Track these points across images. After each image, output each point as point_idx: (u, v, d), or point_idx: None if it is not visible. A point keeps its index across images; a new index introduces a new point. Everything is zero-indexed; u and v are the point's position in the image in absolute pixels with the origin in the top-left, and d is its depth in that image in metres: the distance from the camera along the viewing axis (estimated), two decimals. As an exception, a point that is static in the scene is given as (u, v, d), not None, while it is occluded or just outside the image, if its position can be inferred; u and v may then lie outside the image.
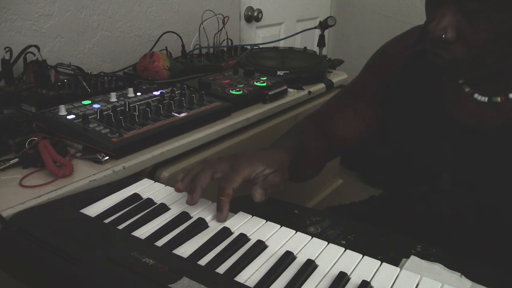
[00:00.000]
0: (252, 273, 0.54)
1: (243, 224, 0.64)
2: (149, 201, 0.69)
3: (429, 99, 0.80)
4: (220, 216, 0.65)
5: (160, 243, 0.58)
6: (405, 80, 0.84)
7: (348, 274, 0.53)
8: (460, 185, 0.76)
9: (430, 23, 0.68)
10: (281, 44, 1.94)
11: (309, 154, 0.89)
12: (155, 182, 0.76)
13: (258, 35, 2.11)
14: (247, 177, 0.70)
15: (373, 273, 0.54)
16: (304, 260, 0.55)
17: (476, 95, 0.74)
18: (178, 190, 0.68)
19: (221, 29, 1.62)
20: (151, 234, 0.60)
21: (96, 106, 0.94)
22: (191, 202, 0.66)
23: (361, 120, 0.92)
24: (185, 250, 0.57)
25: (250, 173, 0.70)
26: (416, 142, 0.81)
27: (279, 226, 0.63)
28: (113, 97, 0.99)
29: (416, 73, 0.82)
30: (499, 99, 0.72)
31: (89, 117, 0.87)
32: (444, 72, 0.75)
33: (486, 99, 0.73)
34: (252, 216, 0.66)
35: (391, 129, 0.86)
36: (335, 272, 0.53)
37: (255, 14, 2.00)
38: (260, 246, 0.58)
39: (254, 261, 0.56)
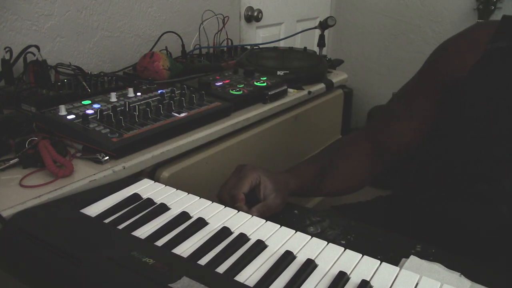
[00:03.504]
0: (252, 273, 0.54)
1: (243, 224, 0.64)
2: (149, 201, 0.69)
3: (508, 101, 0.77)
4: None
5: (160, 242, 0.58)
6: (482, 76, 0.81)
7: (348, 273, 0.53)
8: None
9: None
10: (281, 44, 1.94)
11: (338, 172, 0.91)
12: (155, 182, 0.76)
13: (258, 35, 2.11)
14: (254, 182, 0.75)
15: (373, 272, 0.54)
16: (304, 259, 0.55)
17: None
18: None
19: (221, 29, 1.62)
20: (151, 234, 0.60)
21: (96, 106, 0.94)
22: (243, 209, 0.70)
23: (418, 120, 0.90)
24: (185, 249, 0.57)
25: (256, 178, 0.75)
26: (485, 144, 0.78)
27: (279, 226, 0.63)
28: (113, 97, 0.99)
29: (495, 71, 0.80)
30: None
31: (89, 117, 0.87)
32: None
33: None
34: (252, 216, 0.66)
35: (457, 124, 0.83)
36: (334, 271, 0.54)
37: (255, 14, 2.00)
38: (260, 246, 0.58)
39: (254, 260, 0.56)
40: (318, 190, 0.90)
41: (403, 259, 0.61)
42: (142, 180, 0.76)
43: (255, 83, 1.18)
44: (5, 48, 1.07)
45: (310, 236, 0.61)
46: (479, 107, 0.80)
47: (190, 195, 0.71)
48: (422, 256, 0.62)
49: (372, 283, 0.52)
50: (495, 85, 0.80)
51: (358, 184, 0.97)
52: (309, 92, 1.32)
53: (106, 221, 0.63)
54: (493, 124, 0.78)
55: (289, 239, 0.61)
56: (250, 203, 0.73)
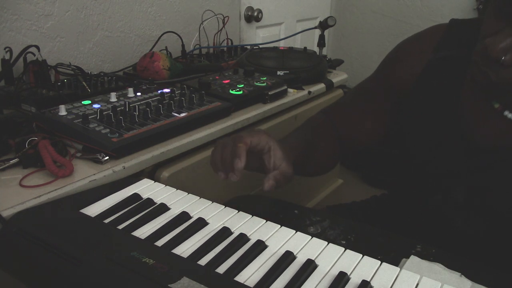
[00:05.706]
0: (252, 273, 0.54)
1: (243, 224, 0.64)
2: (149, 201, 0.69)
3: (447, 113, 0.75)
4: (238, 162, 0.63)
5: (160, 243, 0.58)
6: (424, 88, 0.79)
7: (348, 274, 0.53)
8: (475, 198, 0.74)
9: (489, 38, 0.62)
10: (281, 44, 1.94)
11: (317, 152, 0.88)
12: (155, 182, 0.76)
13: (258, 35, 2.11)
14: (263, 143, 0.69)
15: (373, 273, 0.54)
16: (304, 260, 0.55)
17: (506, 113, 0.69)
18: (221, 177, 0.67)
19: (221, 29, 1.62)
20: (151, 234, 0.60)
21: (96, 106, 0.94)
22: (236, 178, 0.64)
23: (372, 123, 0.90)
24: (185, 250, 0.57)
25: (266, 141, 0.69)
26: (430, 154, 0.78)
27: (279, 226, 0.63)
28: (113, 97, 0.99)
29: (435, 83, 0.78)
30: None
31: (89, 117, 0.87)
32: (481, 90, 0.70)
33: None
34: (252, 216, 0.66)
35: (405, 135, 0.83)
36: (335, 272, 0.54)
37: (255, 14, 2.00)
38: (260, 246, 0.58)
39: (254, 261, 0.56)
40: (302, 168, 0.85)
41: (404, 259, 0.61)
42: (142, 180, 0.76)
43: (255, 83, 1.18)
44: (5, 48, 1.06)
45: (310, 236, 0.61)
46: (420, 121, 0.79)
47: (190, 195, 0.71)
48: (422, 256, 0.61)
49: (372, 283, 0.52)
50: (434, 98, 0.78)
51: (331, 165, 0.96)
52: (309, 92, 1.32)
53: (106, 221, 0.63)
54: (434, 139, 0.77)
55: (289, 239, 0.61)
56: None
